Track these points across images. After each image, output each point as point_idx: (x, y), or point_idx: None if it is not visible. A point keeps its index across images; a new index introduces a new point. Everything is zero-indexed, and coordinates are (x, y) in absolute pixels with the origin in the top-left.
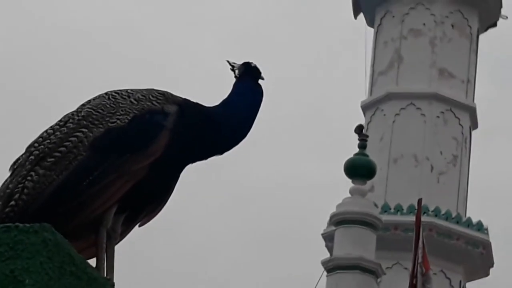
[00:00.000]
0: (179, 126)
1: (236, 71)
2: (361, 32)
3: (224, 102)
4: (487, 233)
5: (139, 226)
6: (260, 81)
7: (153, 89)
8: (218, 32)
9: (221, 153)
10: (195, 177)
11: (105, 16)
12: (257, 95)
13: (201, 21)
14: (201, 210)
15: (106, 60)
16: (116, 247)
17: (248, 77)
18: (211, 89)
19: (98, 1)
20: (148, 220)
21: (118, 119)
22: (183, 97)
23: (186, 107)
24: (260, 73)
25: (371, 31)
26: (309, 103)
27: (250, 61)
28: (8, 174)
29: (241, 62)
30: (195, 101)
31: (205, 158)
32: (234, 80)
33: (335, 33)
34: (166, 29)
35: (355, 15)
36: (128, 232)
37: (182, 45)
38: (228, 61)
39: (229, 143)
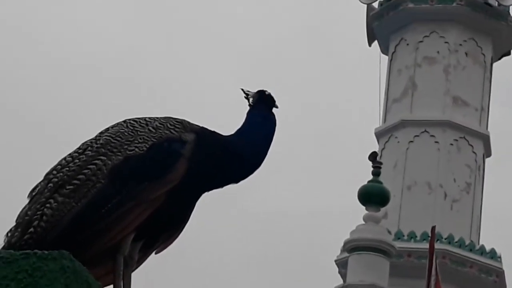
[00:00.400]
0: (197, 155)
1: (250, 99)
2: (375, 59)
3: (239, 131)
4: (501, 261)
5: (156, 253)
6: (274, 109)
7: (171, 117)
8: (231, 63)
9: (236, 181)
10: (207, 204)
11: (113, 46)
12: (271, 124)
13: (215, 50)
14: (214, 237)
15: (116, 90)
16: (133, 274)
17: (262, 106)
18: (225, 116)
19: (106, 33)
20: (165, 247)
21: (136, 147)
22: (200, 125)
23: (204, 135)
24: (274, 101)
25: (385, 58)
26: (323, 130)
27: (265, 89)
28: (27, 201)
29: (255, 90)
30: (212, 129)
31: (221, 186)
32: (247, 107)
33: (349, 60)
34: (177, 56)
35: (370, 42)
36: (145, 259)
37: (196, 72)
38: (242, 89)
39: (244, 172)
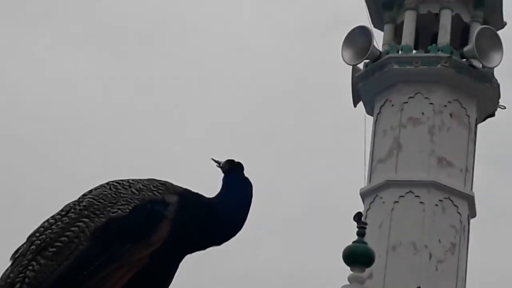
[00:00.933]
0: (180, 217)
1: (222, 168)
2: (360, 120)
3: (220, 195)
4: None
5: None
6: (248, 174)
7: (154, 179)
8: (213, 127)
9: (219, 244)
10: (191, 267)
11: (105, 105)
12: (248, 186)
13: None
14: None
15: (105, 149)
16: None
17: (235, 171)
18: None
19: (99, 92)
20: None
21: (119, 209)
22: (184, 187)
23: (187, 197)
24: (243, 168)
25: (370, 119)
26: (308, 190)
27: (232, 158)
28: (9, 263)
29: (224, 160)
30: (195, 191)
31: (204, 248)
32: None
33: (334, 121)
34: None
35: (355, 103)
36: None
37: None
38: (213, 159)
39: (226, 235)
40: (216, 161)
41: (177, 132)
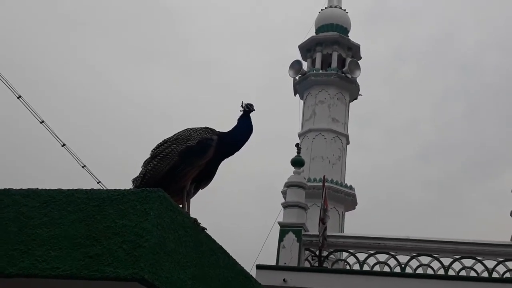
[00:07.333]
0: (218, 145)
1: (242, 108)
2: (298, 101)
3: (236, 128)
4: (354, 190)
5: (201, 189)
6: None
7: (207, 127)
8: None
9: (233, 154)
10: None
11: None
12: (250, 126)
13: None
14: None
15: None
16: (191, 200)
17: (245, 115)
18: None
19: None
20: (204, 187)
21: (192, 141)
22: (220, 131)
23: (221, 135)
24: (251, 111)
25: (301, 102)
26: (279, 133)
27: (248, 103)
28: (142, 166)
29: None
30: (225, 131)
31: (230, 155)
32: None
33: (288, 100)
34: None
35: (295, 94)
36: (196, 193)
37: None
38: (243, 104)
39: (236, 149)
40: (242, 105)
41: None
